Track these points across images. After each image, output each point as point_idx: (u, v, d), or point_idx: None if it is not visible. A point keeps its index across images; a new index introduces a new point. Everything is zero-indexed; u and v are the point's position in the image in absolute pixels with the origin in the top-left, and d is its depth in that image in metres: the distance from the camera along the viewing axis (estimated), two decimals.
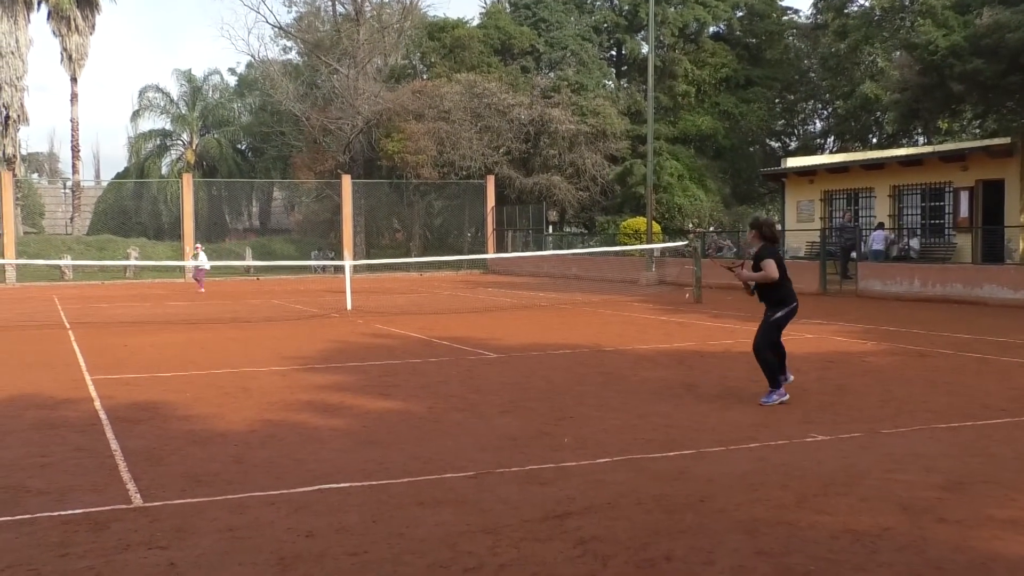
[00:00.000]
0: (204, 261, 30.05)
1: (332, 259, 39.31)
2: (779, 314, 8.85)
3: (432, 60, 47.26)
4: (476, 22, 49.59)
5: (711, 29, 49.54)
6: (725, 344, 13.66)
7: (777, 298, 8.88)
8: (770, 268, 8.76)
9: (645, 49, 46.00)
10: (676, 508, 5.48)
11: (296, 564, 4.61)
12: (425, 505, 5.59)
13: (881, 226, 26.87)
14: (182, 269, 36.55)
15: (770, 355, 8.82)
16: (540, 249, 38.01)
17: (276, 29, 50.35)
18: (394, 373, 11.13)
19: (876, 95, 39.79)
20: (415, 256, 40.61)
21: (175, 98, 57.49)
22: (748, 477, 6.15)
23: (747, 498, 5.67)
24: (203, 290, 29.53)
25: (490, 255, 38.36)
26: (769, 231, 9.10)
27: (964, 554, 4.67)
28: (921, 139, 40.88)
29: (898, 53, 35.27)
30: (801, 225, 31.59)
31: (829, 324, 16.34)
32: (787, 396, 8.79)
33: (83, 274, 37.21)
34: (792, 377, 9.08)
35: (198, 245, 32.84)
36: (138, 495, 5.84)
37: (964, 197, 26.47)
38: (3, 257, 34.61)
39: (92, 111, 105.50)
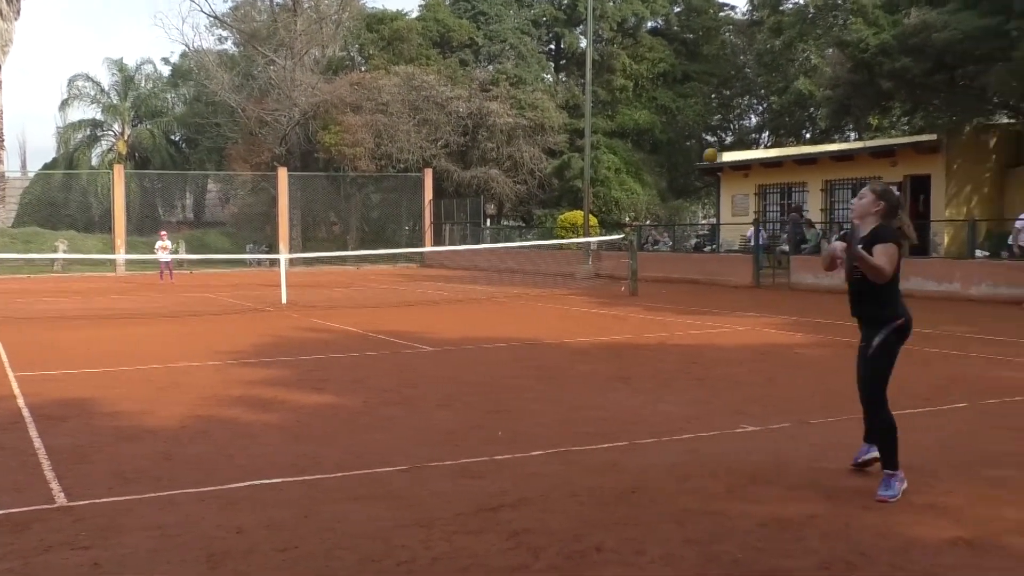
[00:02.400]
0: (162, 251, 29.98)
1: (267, 252, 38.87)
2: (879, 338, 5.63)
3: (370, 52, 46.95)
4: (415, 14, 49.39)
5: (649, 24, 49.96)
6: (659, 337, 13.79)
7: (876, 310, 5.69)
8: (888, 257, 5.52)
9: (583, 43, 46.22)
10: (608, 500, 5.52)
11: (225, 561, 4.56)
12: (358, 500, 5.56)
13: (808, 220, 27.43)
14: (113, 263, 35.87)
15: (888, 413, 5.68)
16: (478, 242, 37.99)
17: (211, 18, 49.74)
18: (329, 367, 11.05)
19: (810, 91, 40.43)
20: (352, 249, 40.33)
21: (106, 87, 56.28)
22: (679, 468, 6.22)
23: (678, 488, 5.74)
24: (172, 280, 29.58)
25: (428, 248, 38.27)
26: (895, 204, 5.72)
27: (887, 539, 4.78)
28: (852, 135, 41.64)
29: (830, 50, 35.85)
30: (736, 219, 32.01)
31: (761, 316, 16.59)
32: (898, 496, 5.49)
33: (8, 268, 36.26)
34: (875, 452, 5.87)
35: (163, 233, 32.34)
36: (62, 494, 5.71)
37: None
38: None
39: (18, 99, 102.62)
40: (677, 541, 4.78)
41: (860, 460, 6.00)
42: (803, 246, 26.17)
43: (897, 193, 5.78)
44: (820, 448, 6.75)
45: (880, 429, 5.68)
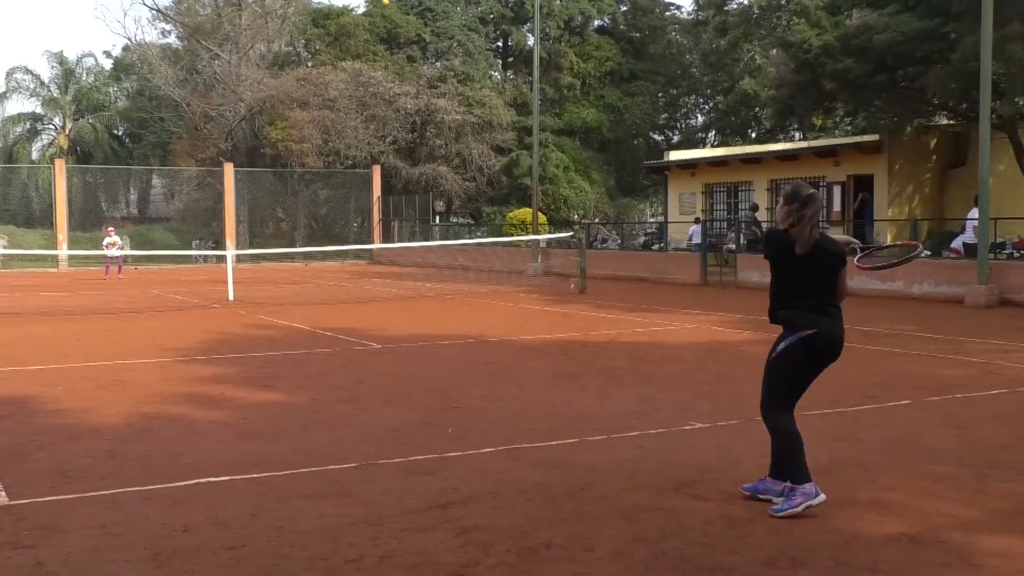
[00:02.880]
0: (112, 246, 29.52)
1: (214, 249, 38.41)
2: (778, 347, 5.45)
3: (317, 47, 46.59)
4: (362, 10, 49.10)
5: (596, 23, 50.20)
6: (608, 334, 13.87)
7: (776, 314, 5.48)
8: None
9: (531, 41, 46.29)
10: (557, 496, 5.55)
11: (172, 559, 4.51)
12: (306, 497, 5.52)
13: (698, 220, 28.16)
14: (55, 258, 35.21)
15: (783, 421, 5.42)
16: (427, 239, 37.90)
17: (154, 12, 48.90)
18: (277, 364, 10.97)
19: (755, 91, 40.94)
20: (300, 246, 40.01)
21: (46, 80, 55.18)
22: (628, 464, 6.27)
23: (626, 485, 5.78)
24: (121, 276, 29.22)
25: (376, 245, 38.09)
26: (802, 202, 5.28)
27: (829, 535, 4.86)
28: (797, 135, 42.23)
29: (775, 51, 36.27)
30: (683, 217, 32.29)
31: (709, 314, 16.76)
32: (820, 498, 5.16)
33: None
34: (822, 495, 5.22)
35: (111, 228, 31.70)
36: (3, 493, 5.61)
37: (837, 191, 27.48)
38: None
39: None
40: (626, 538, 4.82)
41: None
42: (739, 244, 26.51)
43: (807, 190, 5.38)
44: (766, 444, 6.80)
45: (774, 437, 5.46)
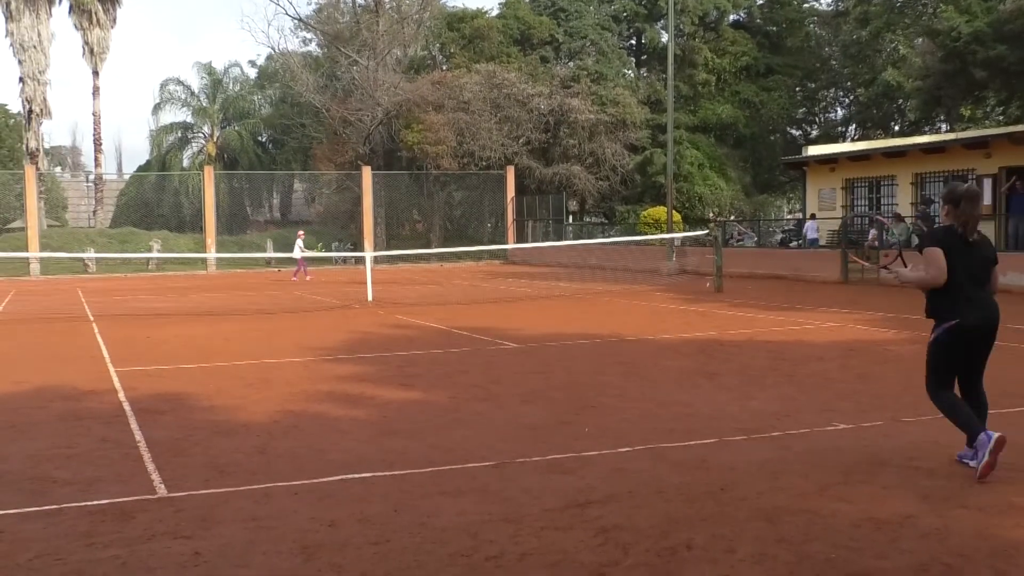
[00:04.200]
0: (298, 249, 30.26)
1: (353, 250, 39.41)
2: (932, 335, 6.04)
3: (451, 51, 47.27)
4: (495, 12, 49.57)
5: (731, 17, 49.38)
6: (745, 333, 13.62)
7: (932, 309, 6.05)
8: (932, 261, 5.88)
9: (665, 38, 45.85)
10: (697, 497, 5.48)
11: (319, 553, 4.65)
12: (447, 495, 5.61)
13: (813, 216, 27.29)
14: (204, 261, 36.77)
15: (942, 397, 6.03)
16: (560, 239, 37.98)
17: (296, 21, 50.47)
18: (415, 363, 11.17)
19: (898, 82, 39.53)
20: (435, 247, 40.66)
21: (196, 91, 57.71)
22: (769, 465, 6.14)
23: (768, 486, 5.66)
24: (309, 278, 29.83)
25: (510, 245, 38.37)
26: (955, 200, 5.96)
27: (987, 541, 4.65)
28: (944, 126, 40.57)
29: (920, 40, 34.96)
30: (824, 214, 31.43)
31: (850, 313, 16.27)
32: (994, 437, 5.64)
33: (106, 267, 37.50)
34: (995, 435, 5.70)
35: (301, 232, 32.49)
36: (162, 485, 5.90)
37: (987, 184, 26.24)
38: (27, 250, 34.90)
39: (114, 104, 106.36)
40: (769, 539, 4.72)
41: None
42: (893, 242, 25.61)
43: (963, 186, 6.04)
44: (914, 447, 6.60)
45: (940, 409, 6.10)
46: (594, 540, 4.76)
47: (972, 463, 5.79)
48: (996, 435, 5.63)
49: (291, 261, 32.66)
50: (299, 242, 30.80)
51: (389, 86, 43.51)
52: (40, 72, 48.22)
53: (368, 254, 25.09)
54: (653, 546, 4.66)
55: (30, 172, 37.30)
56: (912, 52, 38.01)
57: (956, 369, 6.03)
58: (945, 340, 5.90)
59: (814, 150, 34.88)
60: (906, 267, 6.41)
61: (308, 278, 29.97)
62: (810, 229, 29.77)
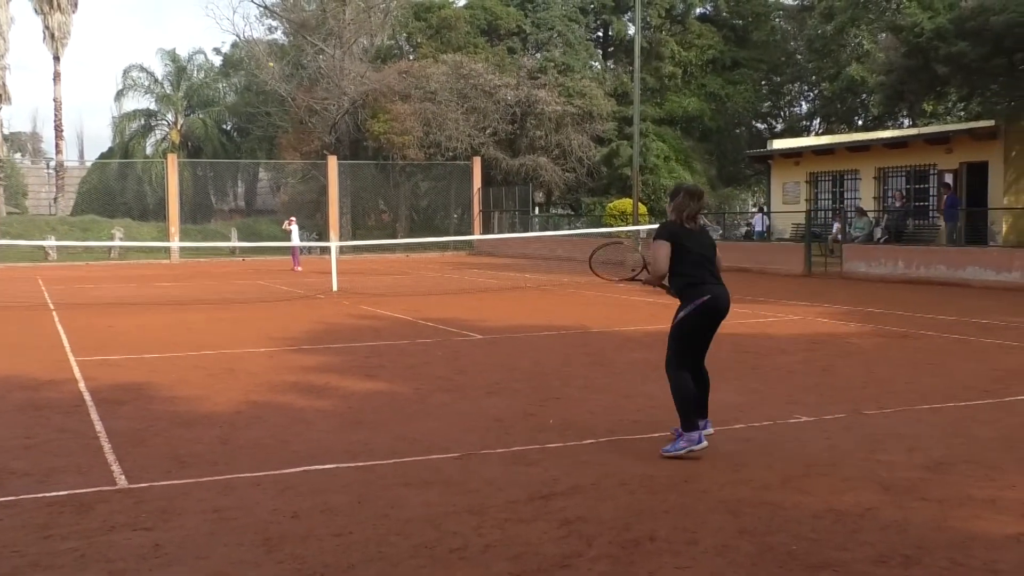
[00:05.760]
0: (295, 237, 29.74)
1: (318, 240, 39.19)
2: (679, 315, 6.35)
3: (418, 41, 47.07)
4: (463, 2, 49.39)
5: (697, 10, 49.52)
6: None
7: (678, 290, 6.39)
8: (657, 252, 6.32)
9: (632, 30, 45.93)
10: (660, 489, 5.51)
11: (282, 545, 4.62)
12: (411, 486, 5.60)
13: (762, 210, 27.86)
14: (167, 250, 36.41)
15: (680, 377, 6.32)
16: (526, 230, 38.01)
17: (261, 8, 50.00)
18: (380, 354, 11.13)
19: (862, 77, 39.86)
20: (401, 237, 40.53)
21: (159, 78, 57.09)
22: (732, 457, 6.18)
23: (731, 479, 5.70)
24: (299, 268, 29.25)
25: (476, 236, 38.34)
26: (674, 193, 6.53)
27: (944, 533, 4.71)
28: (906, 121, 40.99)
29: (884, 35, 35.29)
30: (787, 207, 31.69)
31: (814, 306, 16.41)
32: (702, 444, 6.15)
33: (67, 255, 37.02)
34: (712, 429, 6.51)
35: (292, 219, 31.82)
36: (123, 476, 5.83)
37: (948, 179, 26.57)
38: None
39: (75, 90, 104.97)
40: (731, 531, 4.76)
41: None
42: (854, 235, 25.87)
43: (684, 185, 6.66)
44: (875, 439, 6.67)
45: (672, 390, 6.36)
46: (558, 532, 4.77)
47: (683, 445, 6.13)
48: (704, 443, 6.15)
49: (268, 251, 32.13)
50: (295, 228, 30.31)
51: (355, 75, 43.26)
52: None
53: (333, 244, 24.96)
54: (616, 538, 4.68)
55: None
56: (876, 47, 38.35)
57: (696, 346, 6.42)
58: (694, 316, 6.24)
59: (779, 144, 35.17)
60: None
61: (299, 268, 29.40)
62: (758, 222, 31.49)
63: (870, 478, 5.67)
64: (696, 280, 6.26)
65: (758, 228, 31.29)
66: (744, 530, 4.76)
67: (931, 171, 27.41)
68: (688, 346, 6.36)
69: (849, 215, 27.57)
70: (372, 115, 42.17)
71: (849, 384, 8.89)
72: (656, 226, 7.02)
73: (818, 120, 49.33)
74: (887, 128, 38.09)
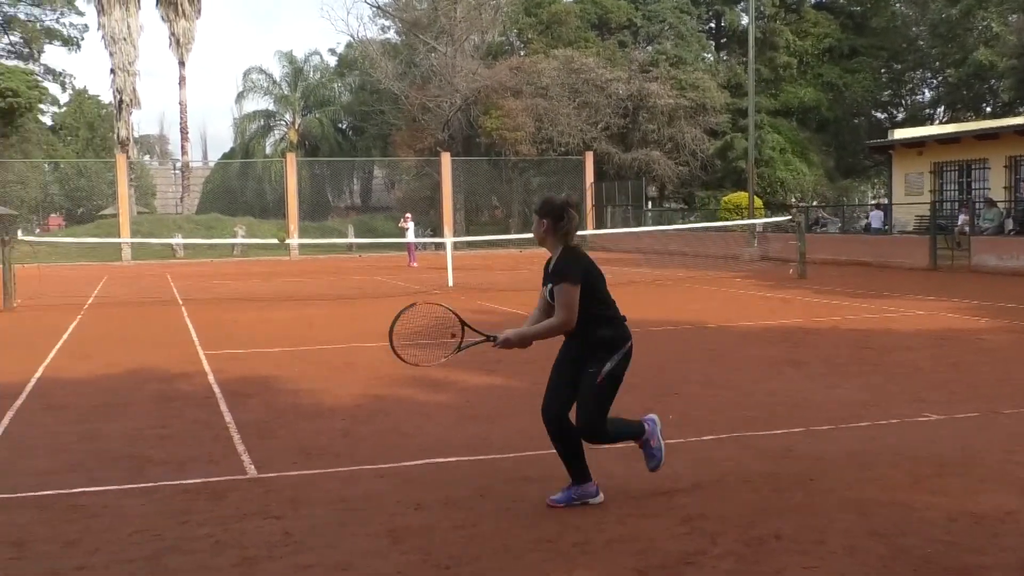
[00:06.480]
0: (411, 234, 30.24)
1: (432, 236, 39.69)
2: (605, 367, 5.14)
3: (529, 36, 47.22)
4: None
5: None
6: (831, 321, 13.37)
7: (597, 336, 5.23)
8: (568, 298, 5.23)
9: (745, 20, 45.13)
10: (784, 486, 5.40)
11: (406, 536, 4.69)
12: (531, 480, 5.62)
13: (878, 206, 27.15)
14: (287, 247, 37.38)
15: (609, 424, 5.18)
16: (640, 225, 37.74)
17: (375, 9, 50.93)
18: (496, 349, 11.16)
19: (990, 62, 38.32)
20: (514, 233, 40.71)
21: (278, 79, 58.72)
22: (858, 456, 6.01)
23: (858, 477, 5.54)
24: (415, 264, 29.66)
25: (589, 231, 38.19)
26: (559, 215, 5.29)
27: None
28: None
29: (1015, 16, 33.80)
30: (909, 199, 30.67)
31: (940, 300, 15.86)
32: (600, 497, 5.16)
33: (193, 252, 38.39)
34: (599, 496, 5.20)
35: (408, 216, 32.19)
36: (252, 466, 6.02)
37: None
38: (119, 236, 35.92)
39: (199, 93, 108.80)
40: (860, 532, 4.62)
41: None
42: (984, 227, 24.89)
43: (560, 197, 5.38)
44: (1013, 439, 6.40)
45: (602, 440, 5.26)
46: (680, 528, 4.72)
47: (574, 495, 5.12)
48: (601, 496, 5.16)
49: (384, 247, 32.42)
50: (411, 225, 30.70)
51: (467, 72, 43.64)
52: (129, 63, 49.52)
53: (448, 240, 25.22)
54: (741, 536, 4.60)
55: (121, 161, 38.35)
56: (1006, 29, 36.79)
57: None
58: (624, 364, 5.16)
59: (900, 133, 34.04)
60: (490, 337, 5.50)
61: (414, 264, 29.71)
62: (875, 219, 30.71)
63: (1009, 480, 5.44)
64: (617, 317, 5.26)
65: (875, 224, 30.54)
66: (874, 531, 4.63)
67: None
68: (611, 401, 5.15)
69: (978, 206, 26.51)
70: (484, 111, 42.47)
71: (982, 382, 8.55)
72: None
73: (942, 108, 47.65)
74: (1018, 114, 36.50)
